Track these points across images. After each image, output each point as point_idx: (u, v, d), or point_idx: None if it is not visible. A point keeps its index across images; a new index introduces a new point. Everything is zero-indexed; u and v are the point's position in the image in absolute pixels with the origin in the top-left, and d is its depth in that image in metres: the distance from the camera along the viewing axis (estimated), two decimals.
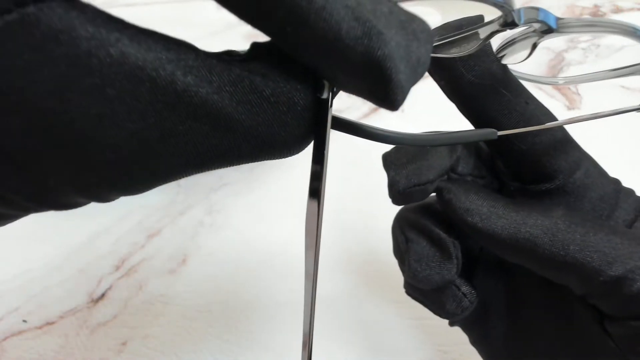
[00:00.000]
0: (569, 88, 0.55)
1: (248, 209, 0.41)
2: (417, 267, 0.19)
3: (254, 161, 0.12)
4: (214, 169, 0.12)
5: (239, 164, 0.12)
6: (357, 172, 0.43)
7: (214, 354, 0.30)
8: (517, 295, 0.20)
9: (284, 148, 0.12)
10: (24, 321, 0.32)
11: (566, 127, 0.19)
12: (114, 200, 0.12)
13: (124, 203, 0.41)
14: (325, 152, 0.12)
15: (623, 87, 0.55)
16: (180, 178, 0.12)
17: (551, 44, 0.64)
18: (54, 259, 0.36)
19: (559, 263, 0.16)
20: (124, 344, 0.31)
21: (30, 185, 0.11)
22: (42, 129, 0.10)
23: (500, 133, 0.16)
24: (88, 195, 0.11)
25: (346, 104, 0.53)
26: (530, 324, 0.20)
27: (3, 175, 0.10)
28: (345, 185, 0.42)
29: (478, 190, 0.18)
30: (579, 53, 0.62)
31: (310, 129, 0.12)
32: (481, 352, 0.22)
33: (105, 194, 0.11)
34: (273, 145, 0.12)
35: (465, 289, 0.20)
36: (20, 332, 0.31)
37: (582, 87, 0.55)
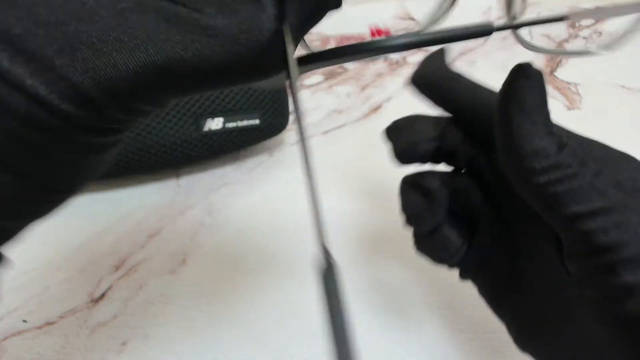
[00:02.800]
0: (569, 88, 0.55)
1: (248, 209, 0.41)
2: (409, 212, 0.23)
3: (233, 80, 0.13)
4: (197, 85, 0.13)
5: (218, 85, 0.13)
6: (360, 167, 0.43)
7: (214, 353, 0.30)
8: (514, 249, 0.22)
9: (257, 57, 0.13)
10: (24, 321, 0.32)
11: (565, 123, 0.19)
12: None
13: (124, 203, 0.41)
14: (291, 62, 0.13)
15: (623, 87, 0.55)
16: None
17: (552, 32, 0.63)
18: (54, 259, 0.36)
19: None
20: (124, 344, 0.31)
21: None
22: None
23: (496, 28, 0.16)
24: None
25: (346, 104, 0.53)
26: (524, 273, 0.21)
27: None
28: (344, 183, 0.42)
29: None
30: (580, 42, 0.61)
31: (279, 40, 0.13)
32: (487, 301, 0.24)
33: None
34: (246, 52, 0.12)
35: (454, 237, 0.23)
36: (20, 332, 0.31)
37: (583, 88, 0.55)
